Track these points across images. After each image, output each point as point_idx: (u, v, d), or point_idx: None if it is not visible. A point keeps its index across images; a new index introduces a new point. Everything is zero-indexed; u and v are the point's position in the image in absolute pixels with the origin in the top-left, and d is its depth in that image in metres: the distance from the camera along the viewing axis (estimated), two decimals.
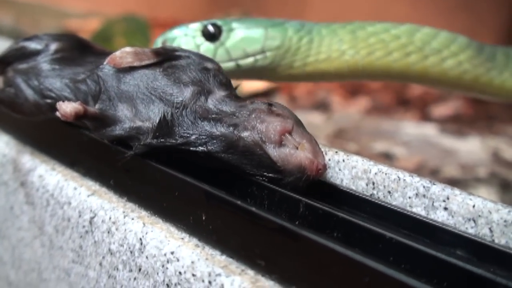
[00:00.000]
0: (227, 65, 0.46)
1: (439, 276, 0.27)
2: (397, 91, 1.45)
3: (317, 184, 0.36)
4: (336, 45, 0.47)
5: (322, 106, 1.30)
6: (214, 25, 0.46)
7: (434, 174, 0.81)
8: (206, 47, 0.46)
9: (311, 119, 1.17)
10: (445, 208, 0.33)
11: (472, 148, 0.94)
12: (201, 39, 0.46)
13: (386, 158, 0.87)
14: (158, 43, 0.46)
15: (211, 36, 0.46)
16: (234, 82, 0.41)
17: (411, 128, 1.02)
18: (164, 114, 0.35)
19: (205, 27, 0.46)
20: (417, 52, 0.46)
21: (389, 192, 0.35)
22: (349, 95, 1.40)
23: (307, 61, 0.48)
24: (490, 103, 1.36)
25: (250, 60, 0.47)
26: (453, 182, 0.77)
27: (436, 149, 0.92)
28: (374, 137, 0.96)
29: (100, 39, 1.29)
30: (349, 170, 0.37)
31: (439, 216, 0.33)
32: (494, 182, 0.78)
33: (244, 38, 0.47)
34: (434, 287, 0.27)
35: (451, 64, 0.46)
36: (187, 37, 0.46)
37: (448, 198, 0.33)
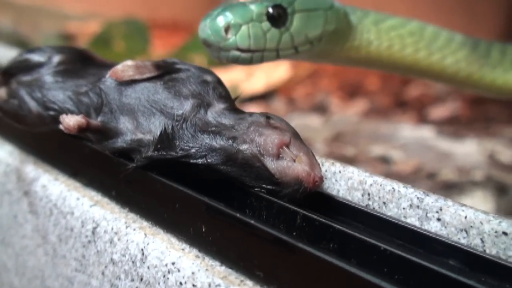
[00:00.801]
0: (288, 52, 0.43)
1: (432, 287, 0.28)
2: (395, 92, 1.46)
3: (314, 195, 0.37)
4: (376, 34, 0.47)
5: (321, 109, 1.31)
6: (279, 6, 0.41)
7: (430, 177, 0.82)
8: (272, 34, 0.42)
9: (309, 121, 1.18)
10: (438, 219, 0.34)
11: (469, 150, 0.95)
12: (267, 25, 0.41)
13: (384, 161, 0.88)
14: (216, 29, 0.40)
15: (276, 21, 0.42)
16: (233, 93, 0.42)
17: (408, 131, 1.03)
18: (165, 127, 0.36)
19: (268, 9, 0.41)
20: (425, 49, 0.47)
21: (384, 203, 0.36)
22: (347, 97, 1.41)
23: (351, 46, 0.47)
24: (488, 105, 1.37)
25: (308, 46, 0.44)
26: (449, 186, 0.78)
27: (433, 152, 0.93)
28: (371, 141, 0.97)
29: (100, 42, 1.30)
30: (345, 181, 0.38)
31: (433, 227, 0.34)
32: (490, 185, 0.78)
33: (308, 23, 0.43)
34: None
35: (450, 62, 0.47)
36: (254, 24, 0.40)
37: (441, 209, 0.34)
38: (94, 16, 1.62)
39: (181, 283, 0.33)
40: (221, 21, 0.40)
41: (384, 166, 0.86)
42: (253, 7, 0.41)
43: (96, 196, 0.41)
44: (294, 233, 0.34)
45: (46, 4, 1.72)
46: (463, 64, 0.46)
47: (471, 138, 1.03)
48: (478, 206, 0.34)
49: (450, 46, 0.46)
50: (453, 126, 1.14)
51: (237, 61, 0.42)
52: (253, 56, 0.42)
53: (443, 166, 0.87)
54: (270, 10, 0.41)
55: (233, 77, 1.41)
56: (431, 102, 1.36)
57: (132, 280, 0.36)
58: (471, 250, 0.32)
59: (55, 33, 1.41)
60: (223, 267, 0.33)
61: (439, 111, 1.28)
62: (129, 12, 1.61)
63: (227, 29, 0.40)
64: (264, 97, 1.38)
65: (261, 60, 0.42)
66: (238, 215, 0.32)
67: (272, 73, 1.43)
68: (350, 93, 1.44)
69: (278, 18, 0.41)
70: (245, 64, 0.42)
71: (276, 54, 0.43)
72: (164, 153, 0.36)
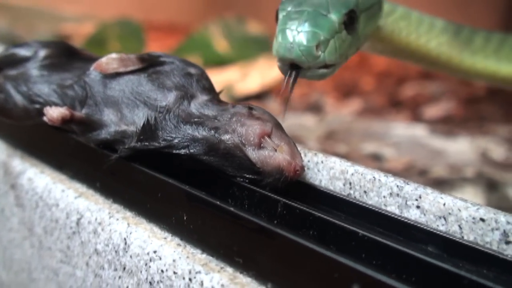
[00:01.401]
0: (353, 53, 0.42)
1: (408, 271, 0.29)
2: (389, 92, 1.46)
3: (297, 185, 0.38)
4: None
5: (315, 108, 1.31)
6: (352, 11, 0.39)
7: (422, 174, 0.82)
8: (348, 42, 0.40)
9: (304, 121, 1.19)
10: (418, 207, 0.34)
11: (461, 148, 0.95)
12: (345, 34, 0.39)
13: (375, 159, 0.88)
14: (308, 48, 0.36)
15: (349, 27, 0.39)
16: (218, 87, 0.42)
17: (401, 129, 1.03)
18: (148, 118, 0.37)
19: (346, 17, 0.39)
20: (413, 33, 0.47)
21: (365, 191, 0.36)
22: (342, 97, 1.41)
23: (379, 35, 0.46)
24: (483, 104, 1.37)
25: (364, 42, 0.43)
26: (440, 182, 0.78)
27: (425, 150, 0.93)
28: (364, 139, 0.98)
29: (94, 43, 1.30)
30: (327, 171, 0.38)
31: (412, 214, 0.34)
32: (480, 182, 0.79)
33: (368, 21, 0.42)
34: (403, 282, 0.28)
35: (433, 45, 0.48)
36: (338, 36, 0.38)
37: (420, 197, 0.34)
38: (89, 18, 1.63)
39: (162, 271, 0.33)
40: (311, 39, 0.36)
41: (375, 163, 0.86)
42: (333, 17, 0.38)
43: (81, 188, 0.41)
44: (275, 221, 0.34)
45: (42, 6, 1.73)
46: (444, 48, 0.47)
47: (464, 136, 1.03)
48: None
49: (433, 30, 0.47)
50: (447, 125, 1.14)
51: (322, 77, 0.39)
52: (334, 69, 0.40)
53: (435, 164, 0.87)
54: (346, 17, 0.39)
55: (228, 77, 1.42)
56: (426, 102, 1.36)
57: (115, 269, 0.36)
58: (449, 237, 0.32)
59: (50, 34, 1.42)
60: (204, 255, 0.33)
61: (433, 111, 1.28)
62: (125, 14, 1.61)
63: (317, 46, 0.37)
64: (259, 97, 1.38)
65: (336, 70, 0.40)
66: (218, 202, 0.32)
67: (267, 73, 1.44)
68: (345, 93, 1.45)
69: (350, 24, 0.40)
70: (324, 79, 0.40)
71: (346, 60, 0.41)
72: (147, 143, 0.36)
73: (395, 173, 0.82)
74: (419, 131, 1.04)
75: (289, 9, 0.39)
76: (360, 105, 1.34)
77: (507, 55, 0.49)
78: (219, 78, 1.42)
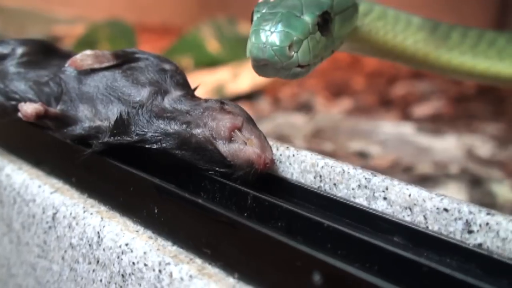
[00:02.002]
0: (327, 55, 0.42)
1: (371, 260, 0.29)
2: (380, 91, 1.47)
3: (269, 178, 0.38)
4: None
5: (305, 108, 1.32)
6: (326, 13, 0.40)
7: (406, 171, 0.83)
8: (322, 44, 0.40)
9: (293, 120, 1.19)
10: (385, 198, 0.35)
11: (447, 146, 0.96)
12: (319, 35, 0.40)
13: (361, 156, 0.89)
14: (281, 48, 0.37)
15: (323, 29, 0.40)
16: (193, 83, 0.43)
17: (388, 128, 1.04)
18: (121, 113, 0.37)
19: (319, 18, 0.39)
20: (390, 32, 0.48)
21: (334, 184, 0.37)
22: (333, 97, 1.42)
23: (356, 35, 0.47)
24: (472, 102, 1.38)
25: (340, 44, 0.44)
26: (424, 179, 0.79)
27: (411, 147, 0.94)
28: (351, 137, 0.98)
29: (85, 44, 1.31)
30: (298, 164, 0.38)
31: (379, 206, 0.35)
32: (464, 178, 0.79)
33: (343, 23, 0.43)
34: (365, 270, 0.29)
35: (410, 43, 0.48)
36: (311, 37, 0.39)
37: (387, 188, 0.34)
38: (81, 20, 1.63)
39: (133, 263, 0.34)
40: (284, 39, 0.37)
41: (361, 161, 0.87)
42: (307, 18, 0.39)
43: (58, 183, 0.41)
44: (246, 214, 0.34)
45: (35, 8, 1.74)
46: (421, 45, 0.47)
47: (451, 134, 1.04)
48: None
49: (409, 28, 0.48)
50: (435, 123, 1.15)
51: (296, 77, 0.40)
52: (309, 69, 0.40)
53: (420, 161, 0.88)
54: (320, 19, 0.39)
55: (219, 77, 1.42)
56: (416, 101, 1.37)
57: (90, 263, 0.37)
58: (415, 227, 0.33)
59: (42, 36, 1.42)
60: (174, 247, 0.34)
61: (423, 109, 1.29)
62: (118, 16, 1.62)
63: (290, 46, 0.37)
64: (249, 97, 1.39)
65: (310, 71, 0.41)
66: (185, 195, 0.33)
67: None
68: (335, 93, 1.45)
69: (324, 25, 0.40)
70: (299, 78, 0.40)
71: (320, 61, 0.42)
72: (120, 138, 0.37)
73: (380, 170, 0.82)
74: (406, 129, 1.04)
75: (263, 10, 0.39)
76: (350, 104, 1.35)
77: (483, 51, 0.50)
78: (210, 78, 1.43)
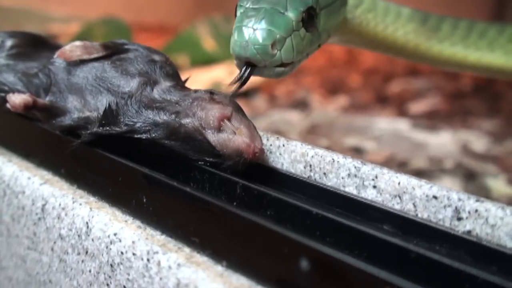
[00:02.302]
0: (314, 50, 0.42)
1: (360, 247, 0.29)
2: (376, 89, 1.47)
3: (259, 169, 0.38)
4: None
5: (301, 105, 1.32)
6: (311, 8, 0.39)
7: (401, 166, 0.82)
8: (307, 40, 0.39)
9: (289, 117, 1.19)
10: (374, 186, 0.34)
11: (442, 141, 0.96)
12: (303, 31, 0.39)
13: (356, 152, 0.88)
14: (263, 47, 0.36)
15: (308, 24, 0.39)
16: (189, 81, 0.42)
17: (384, 124, 1.04)
18: (109, 104, 0.37)
19: (303, 14, 0.38)
20: (380, 23, 0.48)
21: (324, 173, 0.37)
22: (329, 94, 1.42)
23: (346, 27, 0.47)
24: (468, 99, 1.38)
25: (327, 37, 0.43)
26: (418, 174, 0.79)
27: (406, 143, 0.94)
28: (346, 133, 0.98)
29: None
30: (288, 154, 0.38)
31: (369, 194, 0.35)
32: (459, 172, 0.79)
33: (330, 17, 0.42)
34: (355, 257, 0.29)
35: (400, 34, 0.48)
36: (295, 34, 0.38)
37: (376, 177, 0.34)
38: (77, 18, 1.63)
39: (122, 253, 0.33)
40: (267, 37, 0.36)
41: (356, 156, 0.86)
42: (291, 15, 0.38)
43: (47, 175, 0.41)
44: (235, 203, 0.34)
45: (31, 7, 1.73)
46: (411, 36, 0.47)
47: (446, 130, 1.04)
48: None
49: (400, 19, 0.47)
50: (431, 120, 1.15)
51: (279, 76, 0.39)
52: (293, 67, 0.40)
53: (415, 156, 0.88)
54: (304, 15, 0.38)
55: (215, 75, 1.42)
56: (412, 98, 1.37)
57: (79, 253, 0.36)
58: (404, 215, 0.33)
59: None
60: (163, 236, 0.34)
61: (419, 106, 1.29)
62: (114, 15, 1.61)
63: (273, 45, 0.36)
64: (246, 94, 1.38)
65: (294, 69, 0.40)
66: (174, 183, 0.33)
67: None
68: (332, 90, 1.45)
69: (309, 21, 0.39)
70: (282, 77, 0.40)
71: (306, 57, 0.41)
72: (109, 128, 0.37)
73: None
74: (401, 125, 1.04)
75: (247, 5, 0.39)
76: (346, 101, 1.34)
77: (474, 42, 0.50)
78: (206, 76, 1.43)
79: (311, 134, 0.97)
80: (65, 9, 1.81)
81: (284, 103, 1.34)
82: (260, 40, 0.36)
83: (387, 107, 1.30)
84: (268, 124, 1.08)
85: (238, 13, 0.39)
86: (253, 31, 0.36)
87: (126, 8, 2.06)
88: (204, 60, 1.52)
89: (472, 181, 0.77)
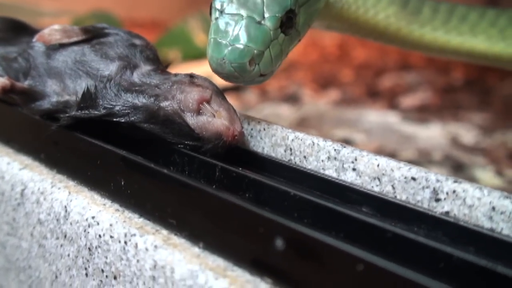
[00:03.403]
0: (293, 47, 0.40)
1: (337, 227, 0.29)
2: (367, 83, 1.47)
3: (240, 153, 0.38)
4: None
5: (293, 99, 1.31)
6: (290, 11, 0.37)
7: (390, 157, 0.82)
8: (286, 43, 0.38)
9: (280, 111, 1.19)
10: (354, 169, 0.34)
11: (432, 134, 0.96)
12: (282, 37, 0.37)
13: (346, 143, 0.88)
14: (241, 65, 0.35)
15: (287, 26, 0.38)
16: (174, 70, 0.42)
17: (374, 116, 1.04)
18: (88, 87, 0.37)
19: (282, 20, 0.37)
20: (361, 7, 0.47)
21: (304, 157, 0.36)
22: (321, 89, 1.42)
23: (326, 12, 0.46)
24: (459, 93, 1.38)
25: (307, 29, 0.42)
26: None
27: (396, 135, 0.94)
28: (336, 125, 0.98)
29: None
30: (269, 138, 0.38)
31: (349, 177, 0.34)
32: (447, 164, 0.79)
33: (309, 11, 0.40)
34: (332, 237, 0.29)
35: (381, 17, 0.48)
36: (273, 44, 0.37)
37: (356, 159, 0.34)
38: (68, 14, 1.62)
39: (99, 236, 0.33)
40: (244, 55, 0.35)
41: None
42: (268, 24, 0.36)
43: (27, 160, 0.41)
44: (214, 185, 0.34)
45: (20, 1, 1.72)
46: (392, 20, 0.47)
47: (436, 123, 1.04)
48: None
49: (380, 2, 0.47)
50: (421, 113, 1.15)
51: (258, 83, 0.39)
52: (272, 73, 0.39)
53: (404, 148, 0.88)
54: (283, 19, 0.37)
55: (206, 70, 1.41)
56: (403, 92, 1.37)
57: (57, 238, 0.36)
58: (383, 197, 0.32)
59: None
60: (141, 219, 0.33)
61: (410, 100, 1.29)
62: (105, 10, 1.61)
63: (251, 61, 0.36)
64: (237, 89, 1.38)
65: (273, 73, 0.39)
66: (151, 165, 0.32)
67: None
68: (323, 85, 1.45)
69: (288, 22, 0.38)
70: (261, 83, 0.39)
71: (285, 57, 0.40)
72: (87, 112, 0.36)
73: None
74: (391, 118, 1.04)
75: (222, 9, 0.37)
76: (337, 96, 1.34)
77: (456, 26, 0.49)
78: (198, 71, 1.41)
79: (300, 126, 0.97)
80: (56, 4, 1.80)
81: (276, 97, 1.34)
82: (237, 59, 0.35)
83: (378, 101, 1.30)
84: (259, 117, 1.08)
85: (212, 17, 0.37)
86: (230, 48, 0.35)
87: (118, 3, 2.05)
88: (196, 55, 1.51)
89: (460, 172, 0.77)
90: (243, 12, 0.36)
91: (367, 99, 1.33)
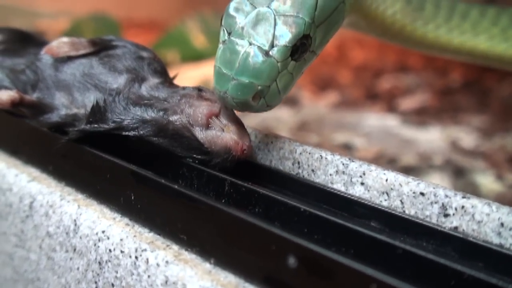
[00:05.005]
0: (303, 72, 0.38)
1: (346, 243, 0.29)
2: (366, 85, 1.47)
3: (248, 166, 0.38)
4: None
5: (292, 102, 1.32)
6: (304, 37, 0.35)
7: (391, 162, 0.83)
8: (297, 68, 0.36)
9: (279, 114, 1.19)
10: (362, 183, 0.34)
11: (431, 137, 0.96)
12: (292, 64, 0.35)
13: (346, 148, 0.89)
14: (243, 101, 0.34)
15: (301, 51, 0.35)
16: (179, 77, 0.42)
17: (374, 120, 1.04)
18: (97, 101, 0.37)
19: (294, 47, 0.34)
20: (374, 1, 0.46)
21: (312, 170, 0.37)
22: (319, 91, 1.42)
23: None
24: (457, 95, 1.39)
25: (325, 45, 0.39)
26: (408, 170, 0.79)
27: (396, 139, 0.94)
28: (336, 129, 0.98)
29: None
30: (277, 151, 0.38)
31: (357, 191, 0.35)
32: (448, 169, 0.80)
33: (328, 28, 0.37)
34: (342, 254, 0.29)
35: (389, 13, 0.47)
36: (281, 75, 0.34)
37: (364, 174, 0.34)
38: (65, 15, 1.62)
39: (110, 250, 0.33)
40: (246, 91, 0.33)
41: (346, 153, 0.87)
42: (277, 56, 0.33)
43: (35, 172, 0.41)
44: (223, 200, 0.34)
45: (18, 3, 1.72)
46: (398, 16, 0.46)
47: (435, 126, 1.04)
48: None
49: None
50: (420, 116, 1.16)
51: (266, 111, 0.36)
52: (280, 101, 0.36)
53: (405, 152, 0.88)
54: (296, 44, 0.34)
55: (205, 72, 1.42)
56: (402, 94, 1.37)
57: (67, 251, 0.36)
58: (391, 211, 0.33)
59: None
60: (151, 234, 0.34)
61: (409, 102, 1.29)
62: (103, 10, 1.60)
63: (254, 97, 0.34)
64: None
65: (281, 101, 0.37)
66: (162, 180, 0.33)
67: None
68: (322, 87, 1.45)
69: (302, 48, 0.35)
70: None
71: (296, 80, 0.37)
72: (97, 125, 0.37)
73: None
74: (391, 122, 1.05)
75: (231, 30, 0.35)
76: (336, 98, 1.35)
77: (457, 24, 0.49)
78: (196, 73, 1.42)
79: (301, 131, 0.97)
80: (54, 4, 1.80)
81: None
82: (240, 95, 0.33)
83: (377, 103, 1.30)
84: (259, 121, 1.08)
85: (220, 38, 0.35)
86: (232, 83, 0.33)
87: (116, 4, 2.05)
88: (194, 57, 1.51)
89: (461, 177, 0.77)
90: (251, 39, 0.34)
91: (366, 101, 1.33)
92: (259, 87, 0.34)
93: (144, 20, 2.20)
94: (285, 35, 0.34)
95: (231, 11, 0.35)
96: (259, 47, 0.33)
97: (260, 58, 0.33)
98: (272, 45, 0.34)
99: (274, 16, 0.34)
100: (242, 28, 0.34)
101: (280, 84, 0.35)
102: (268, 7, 0.34)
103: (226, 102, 0.34)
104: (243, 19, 0.34)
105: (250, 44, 0.34)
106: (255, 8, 0.35)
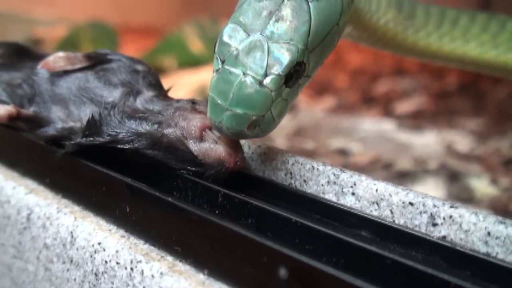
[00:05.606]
0: (297, 95, 0.37)
1: (337, 254, 0.30)
2: (363, 89, 1.48)
3: (241, 177, 0.39)
4: None
5: None
6: (298, 64, 0.34)
7: (386, 167, 0.83)
8: (291, 94, 0.36)
9: None
10: (353, 193, 0.35)
11: (427, 141, 0.97)
12: (286, 91, 0.35)
13: (342, 154, 0.89)
14: (237, 132, 0.34)
15: (298, 77, 0.35)
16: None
17: (369, 125, 1.05)
18: (92, 114, 0.38)
19: (287, 75, 0.34)
20: (367, 12, 0.46)
21: (304, 180, 0.37)
22: (316, 95, 1.43)
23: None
24: (453, 98, 1.40)
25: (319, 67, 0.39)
26: (403, 175, 0.80)
27: (391, 144, 0.95)
28: (332, 134, 0.99)
29: (67, 45, 1.30)
30: (270, 162, 0.39)
31: (348, 201, 0.35)
32: (442, 173, 0.80)
33: (324, 49, 0.37)
34: (332, 264, 0.30)
35: (382, 23, 0.47)
36: (275, 104, 0.34)
37: (355, 184, 0.35)
38: (63, 21, 1.63)
39: (106, 262, 0.34)
40: (241, 122, 0.33)
41: (342, 158, 0.87)
42: (270, 86, 0.33)
43: (32, 184, 0.42)
44: (217, 211, 0.35)
45: (15, 10, 1.73)
46: (391, 25, 0.46)
47: (431, 130, 1.05)
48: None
49: (380, 7, 0.46)
50: (416, 120, 1.16)
51: (262, 136, 0.36)
52: (276, 126, 0.37)
53: (400, 157, 0.89)
54: (290, 72, 0.34)
55: (203, 78, 1.42)
56: (398, 98, 1.38)
57: (64, 262, 0.37)
58: (381, 221, 0.33)
59: (23, 38, 1.41)
60: (146, 245, 0.34)
61: (405, 106, 1.30)
62: (102, 17, 1.61)
63: (249, 126, 0.34)
64: None
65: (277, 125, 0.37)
66: (157, 193, 0.33)
67: None
68: (319, 91, 1.46)
69: (296, 74, 0.35)
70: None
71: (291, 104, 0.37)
72: (92, 139, 0.37)
73: (361, 167, 0.83)
74: (386, 126, 1.05)
75: (224, 59, 0.34)
76: (333, 102, 1.35)
77: (448, 31, 0.49)
78: (193, 78, 1.43)
79: (297, 136, 0.98)
80: (51, 11, 1.81)
81: None
82: (235, 126, 0.33)
83: (374, 107, 1.31)
84: None
85: (214, 67, 0.35)
86: (227, 114, 0.33)
87: (113, 9, 2.06)
88: (192, 62, 1.52)
89: (455, 181, 0.78)
90: (244, 69, 0.34)
91: (363, 105, 1.34)
92: (254, 117, 0.34)
93: (142, 26, 2.21)
94: (278, 64, 0.34)
95: (225, 38, 0.35)
96: (253, 77, 0.33)
97: (254, 88, 0.33)
98: (265, 74, 0.34)
99: (268, 43, 0.34)
100: (236, 56, 0.34)
101: (275, 112, 0.35)
102: (262, 34, 0.34)
103: (221, 131, 0.35)
104: (236, 46, 0.34)
105: (244, 73, 0.33)
106: (249, 35, 0.34)
